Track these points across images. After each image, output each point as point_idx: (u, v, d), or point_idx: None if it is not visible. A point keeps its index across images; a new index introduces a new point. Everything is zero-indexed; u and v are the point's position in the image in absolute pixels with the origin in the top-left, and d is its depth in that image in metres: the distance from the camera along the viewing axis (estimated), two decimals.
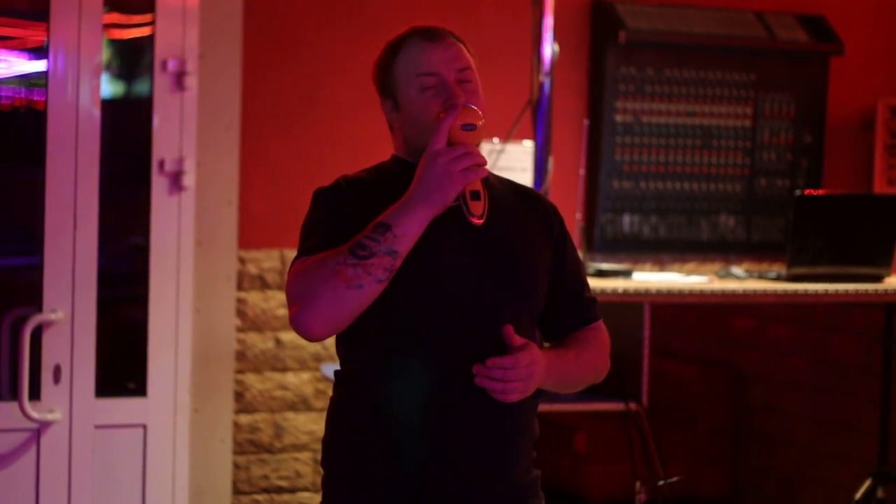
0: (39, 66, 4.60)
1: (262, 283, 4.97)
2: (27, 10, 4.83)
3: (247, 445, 4.99)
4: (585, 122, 5.05)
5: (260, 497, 5.03)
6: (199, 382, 4.79)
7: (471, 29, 3.36)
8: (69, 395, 4.56)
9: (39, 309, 4.53)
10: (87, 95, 4.57)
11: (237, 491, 4.98)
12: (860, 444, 5.31)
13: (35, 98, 4.66)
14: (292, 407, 5.03)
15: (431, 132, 2.45)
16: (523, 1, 4.87)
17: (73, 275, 4.55)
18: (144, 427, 4.67)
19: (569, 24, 5.27)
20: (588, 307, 2.70)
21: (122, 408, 4.66)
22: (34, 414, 4.47)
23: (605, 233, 5.46)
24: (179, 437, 4.72)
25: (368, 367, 2.53)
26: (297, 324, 2.42)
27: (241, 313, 4.95)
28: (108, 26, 4.65)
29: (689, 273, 5.26)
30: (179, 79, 4.69)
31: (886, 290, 4.80)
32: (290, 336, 4.97)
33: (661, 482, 4.41)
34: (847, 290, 4.72)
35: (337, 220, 2.49)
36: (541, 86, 4.61)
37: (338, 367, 2.62)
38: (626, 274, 4.77)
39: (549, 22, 4.61)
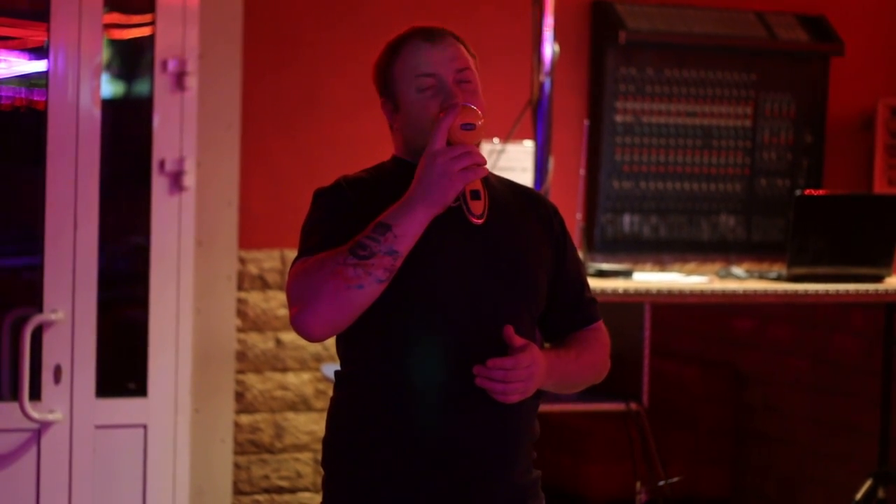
0: (40, 66, 4.60)
1: (263, 284, 4.97)
2: (27, 10, 4.83)
3: (247, 445, 4.99)
4: (586, 122, 5.05)
5: (260, 497, 5.03)
6: (199, 382, 4.79)
7: (471, 29, 3.36)
8: (70, 396, 4.56)
9: (40, 309, 4.53)
10: (88, 95, 4.57)
11: (238, 491, 4.98)
12: (861, 445, 5.31)
13: (35, 98, 4.66)
14: (293, 407, 5.03)
15: (430, 132, 2.45)
16: (523, 1, 4.87)
17: (74, 275, 4.55)
18: (145, 427, 4.67)
19: (569, 25, 5.27)
20: (588, 307, 2.70)
21: (122, 408, 4.67)
22: (35, 414, 4.47)
23: (606, 233, 5.46)
24: (180, 438, 4.72)
25: (369, 367, 2.53)
26: (297, 324, 2.42)
27: (241, 313, 4.95)
28: (108, 26, 4.65)
29: (690, 273, 5.26)
30: (180, 79, 4.69)
31: (887, 291, 4.80)
32: (290, 336, 4.97)
33: (661, 482, 4.41)
34: (847, 291, 4.72)
35: (337, 220, 2.49)
36: (541, 86, 4.61)
37: (338, 368, 2.62)
38: (627, 274, 4.77)
39: (549, 22, 4.61)
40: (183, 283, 4.70)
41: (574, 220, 4.77)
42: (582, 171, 4.92)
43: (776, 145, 5.69)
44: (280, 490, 5.04)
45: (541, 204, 2.69)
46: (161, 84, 4.68)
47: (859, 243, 4.87)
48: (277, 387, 5.01)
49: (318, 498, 2.73)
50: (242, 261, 4.94)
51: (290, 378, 5.02)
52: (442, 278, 2.49)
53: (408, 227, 2.40)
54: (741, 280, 4.88)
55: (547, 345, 2.69)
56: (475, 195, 2.48)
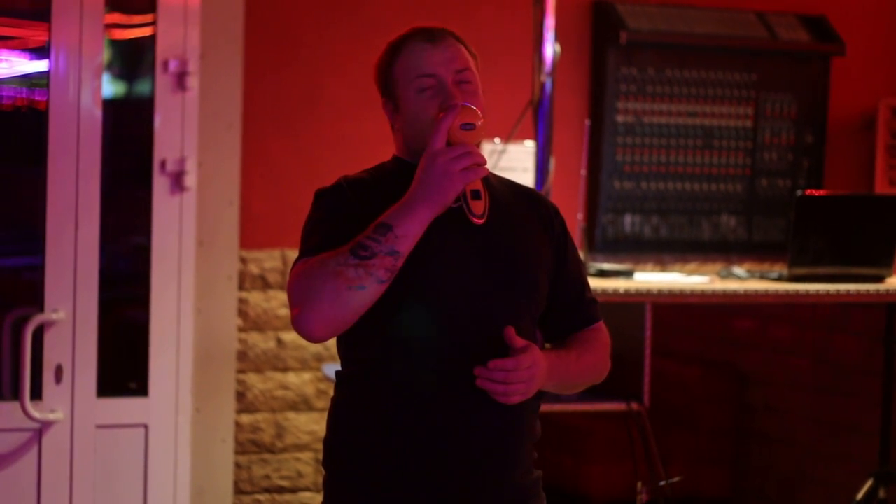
0: (41, 66, 4.61)
1: (264, 283, 4.97)
2: (28, 10, 4.83)
3: (248, 445, 4.99)
4: (587, 122, 5.05)
5: (261, 497, 5.03)
6: (200, 382, 4.79)
7: (472, 29, 3.36)
8: (71, 395, 4.56)
9: (41, 309, 4.53)
10: (89, 95, 4.57)
11: (239, 491, 4.98)
12: (861, 445, 5.31)
13: (36, 98, 4.66)
14: (294, 407, 5.03)
15: (430, 133, 2.46)
16: (524, 1, 4.87)
17: (75, 275, 4.55)
18: (146, 427, 4.67)
19: (570, 25, 5.28)
20: (589, 308, 2.70)
21: (123, 408, 4.67)
22: (36, 414, 4.47)
23: (607, 233, 5.46)
24: (181, 437, 4.72)
25: (369, 367, 2.53)
26: (299, 325, 2.42)
27: (242, 313, 4.95)
28: (109, 26, 4.65)
29: (691, 273, 5.26)
30: (181, 79, 4.69)
31: (888, 291, 4.80)
32: (291, 336, 4.97)
33: (662, 482, 4.41)
34: (848, 291, 4.72)
35: (338, 220, 2.49)
36: (542, 86, 4.61)
37: (339, 368, 2.62)
38: (628, 274, 4.77)
39: (550, 22, 4.61)
40: (184, 283, 4.71)
41: (575, 221, 4.77)
42: (583, 172, 4.92)
43: (777, 145, 5.69)
44: (281, 490, 5.04)
45: (541, 204, 2.69)
46: (162, 84, 4.69)
47: (860, 243, 4.87)
48: (278, 386, 5.01)
49: (319, 498, 2.73)
50: (243, 260, 4.95)
51: (291, 378, 5.02)
52: (443, 278, 2.49)
53: (409, 228, 2.40)
54: (742, 280, 4.88)
55: (548, 345, 2.69)
56: (476, 195, 2.48)
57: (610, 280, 4.66)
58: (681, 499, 4.99)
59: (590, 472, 5.70)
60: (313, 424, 5.04)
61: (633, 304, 4.52)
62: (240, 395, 4.96)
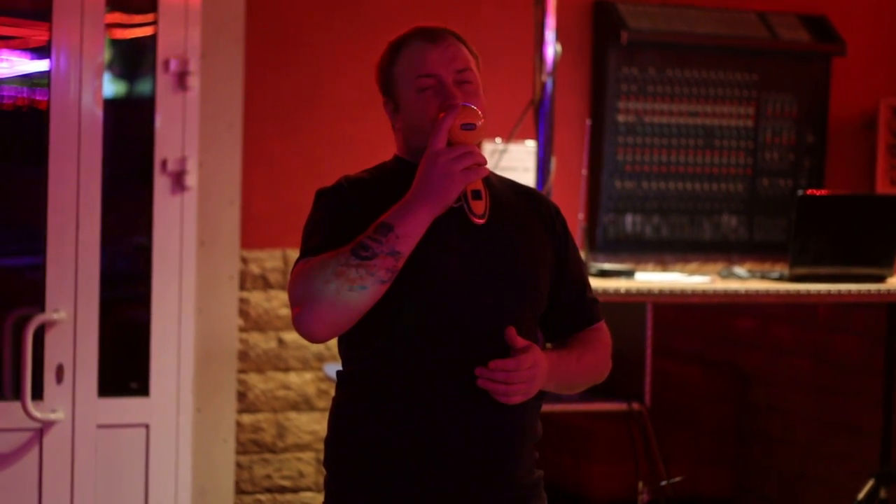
0: (42, 65, 4.61)
1: (265, 283, 4.97)
2: (29, 9, 4.83)
3: (249, 445, 4.99)
4: (588, 122, 5.05)
5: (263, 497, 5.03)
6: (201, 382, 4.79)
7: (473, 29, 3.35)
8: (72, 395, 4.56)
9: (42, 309, 4.53)
10: (90, 95, 4.57)
11: (240, 491, 4.98)
12: (862, 445, 5.31)
13: (37, 98, 4.66)
14: (295, 407, 5.03)
15: (430, 133, 2.46)
16: (525, 1, 4.87)
17: (76, 275, 4.55)
18: (147, 427, 4.67)
19: (571, 25, 5.28)
20: (590, 308, 2.70)
21: (124, 407, 4.67)
22: (37, 413, 4.47)
23: (608, 233, 5.46)
24: (182, 437, 4.72)
25: (371, 367, 2.53)
26: (299, 325, 2.42)
27: (243, 313, 4.95)
28: (110, 26, 4.65)
29: (692, 273, 5.26)
30: (181, 79, 4.69)
31: (889, 291, 4.79)
32: (292, 336, 4.97)
33: (663, 482, 4.41)
34: (849, 291, 4.72)
35: (339, 220, 2.49)
36: (543, 86, 4.61)
37: (340, 368, 2.62)
38: (629, 274, 4.77)
39: (551, 22, 4.61)
40: (185, 283, 4.71)
41: (576, 220, 4.77)
42: (584, 171, 4.92)
43: (778, 145, 5.69)
44: (282, 490, 5.04)
45: (542, 204, 2.69)
46: (163, 84, 4.69)
47: (861, 243, 4.86)
48: (279, 386, 5.01)
49: (321, 498, 2.72)
50: (244, 260, 4.95)
51: (293, 378, 5.02)
52: (443, 278, 2.49)
53: (409, 228, 2.40)
54: (743, 280, 4.88)
55: (549, 345, 2.69)
56: (476, 195, 2.48)
57: (611, 280, 4.66)
58: (682, 499, 4.99)
59: (591, 472, 5.70)
60: (314, 424, 5.04)
61: (635, 303, 4.51)
62: (241, 395, 4.96)
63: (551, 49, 4.61)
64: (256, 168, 4.96)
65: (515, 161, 4.82)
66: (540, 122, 4.62)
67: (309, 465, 5.06)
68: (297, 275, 2.44)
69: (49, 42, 4.55)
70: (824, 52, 5.67)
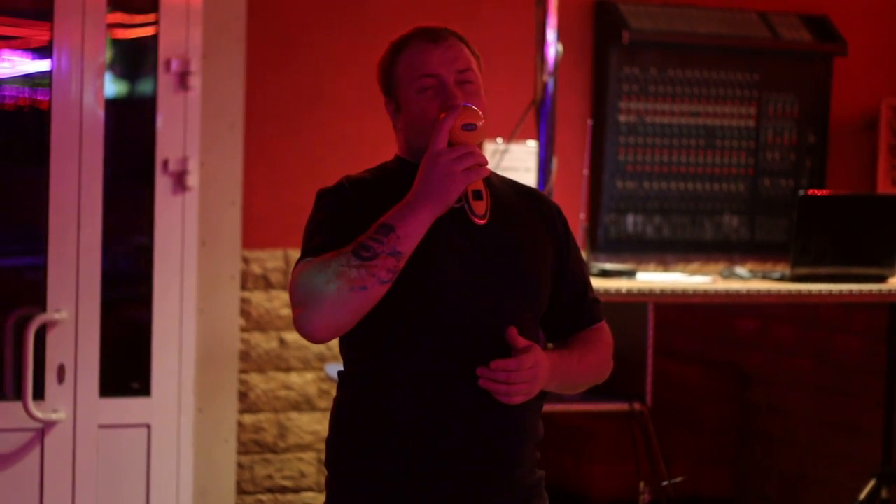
0: (43, 65, 4.61)
1: (266, 283, 4.97)
2: (31, 9, 4.83)
3: (251, 445, 4.99)
4: (589, 122, 5.05)
5: (264, 497, 5.03)
6: (202, 382, 4.80)
7: (474, 29, 3.36)
8: (73, 395, 4.56)
9: (43, 309, 4.53)
10: (91, 95, 4.57)
11: (241, 491, 4.98)
12: (864, 445, 5.30)
13: (39, 98, 4.66)
14: (296, 407, 5.03)
15: (431, 133, 2.46)
16: (526, 1, 4.87)
17: (77, 275, 4.55)
18: (148, 427, 4.67)
19: (572, 25, 5.27)
20: (591, 308, 2.70)
21: (125, 408, 4.67)
22: (38, 414, 4.47)
23: (609, 233, 5.46)
24: (183, 437, 4.72)
25: (372, 367, 2.53)
26: (301, 326, 2.42)
27: (244, 313, 4.95)
28: (111, 26, 4.66)
29: (693, 273, 5.26)
30: (183, 79, 4.69)
31: (890, 291, 4.79)
32: (293, 336, 4.97)
33: (664, 482, 4.40)
34: (851, 291, 4.72)
35: (340, 220, 2.49)
36: (544, 86, 4.61)
37: (341, 368, 2.62)
38: (630, 274, 4.77)
39: (552, 22, 4.61)
40: (186, 283, 4.71)
41: (577, 220, 4.77)
42: (585, 171, 4.92)
43: (779, 145, 5.69)
44: (283, 490, 5.04)
45: (544, 204, 2.69)
46: (164, 84, 4.69)
47: (862, 243, 4.86)
48: (281, 386, 5.01)
49: (322, 498, 2.72)
50: (246, 260, 4.95)
51: (294, 378, 5.02)
52: (444, 279, 2.49)
53: (411, 228, 2.40)
54: (744, 280, 4.88)
55: (550, 345, 2.69)
56: (477, 195, 2.48)
57: (612, 280, 4.66)
58: (683, 499, 4.99)
59: (592, 472, 5.70)
60: (316, 424, 5.04)
61: (636, 304, 4.51)
62: (242, 395, 4.96)
63: (552, 49, 4.61)
64: (258, 168, 4.96)
65: (517, 161, 4.82)
66: (541, 122, 4.62)
67: (310, 466, 5.06)
68: (298, 275, 2.44)
69: (50, 42, 4.56)
70: (826, 52, 5.67)
